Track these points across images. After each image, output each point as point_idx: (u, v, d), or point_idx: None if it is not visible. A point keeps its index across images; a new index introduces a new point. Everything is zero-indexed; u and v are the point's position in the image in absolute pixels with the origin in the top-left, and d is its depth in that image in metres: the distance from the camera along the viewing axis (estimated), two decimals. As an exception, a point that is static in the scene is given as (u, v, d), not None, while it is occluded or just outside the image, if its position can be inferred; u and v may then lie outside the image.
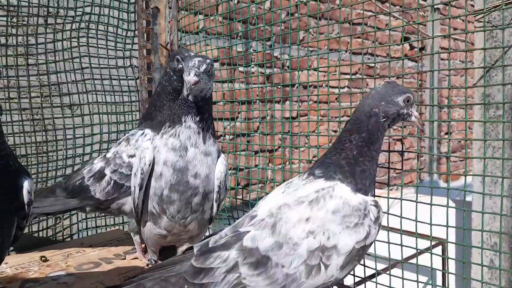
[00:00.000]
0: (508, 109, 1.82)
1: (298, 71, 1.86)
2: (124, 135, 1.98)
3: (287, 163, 3.16)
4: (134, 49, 2.12)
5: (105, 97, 2.03)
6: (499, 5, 1.60)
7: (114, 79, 2.08)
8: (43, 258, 1.59)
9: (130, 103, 2.12)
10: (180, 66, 1.43)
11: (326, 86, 3.37)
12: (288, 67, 3.14)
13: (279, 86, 3.04)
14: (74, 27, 1.95)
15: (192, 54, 1.45)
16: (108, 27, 2.04)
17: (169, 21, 2.07)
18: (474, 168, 1.66)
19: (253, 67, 2.99)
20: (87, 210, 1.57)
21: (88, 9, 1.98)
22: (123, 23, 2.10)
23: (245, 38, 2.91)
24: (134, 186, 1.27)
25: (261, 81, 2.99)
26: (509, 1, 1.74)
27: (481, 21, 1.70)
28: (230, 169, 2.83)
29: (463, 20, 3.93)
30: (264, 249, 0.89)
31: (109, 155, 1.54)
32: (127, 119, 2.10)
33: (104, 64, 2.04)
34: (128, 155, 1.47)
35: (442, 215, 1.32)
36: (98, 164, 1.53)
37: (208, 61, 1.13)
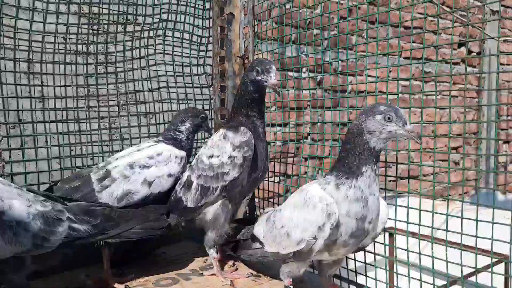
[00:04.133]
0: None
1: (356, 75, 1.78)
2: (196, 143, 1.97)
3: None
4: (208, 56, 2.09)
5: (179, 105, 2.01)
6: None
7: (188, 87, 2.05)
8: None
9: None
10: (259, 78, 1.44)
11: (380, 92, 3.28)
12: (340, 72, 3.07)
13: (331, 92, 2.98)
14: (151, 34, 1.94)
15: (273, 66, 1.44)
16: (184, 34, 2.03)
17: (243, 27, 2.01)
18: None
19: (304, 72, 2.94)
20: (181, 226, 1.59)
21: (164, 16, 1.96)
22: (198, 30, 2.07)
23: (298, 43, 2.87)
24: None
25: (312, 86, 2.94)
26: None
27: None
28: (278, 175, 2.80)
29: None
30: None
31: (193, 162, 1.55)
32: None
33: (179, 72, 2.02)
34: (208, 155, 1.49)
35: (505, 229, 1.24)
36: (186, 173, 1.55)
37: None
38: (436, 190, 3.56)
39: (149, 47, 1.94)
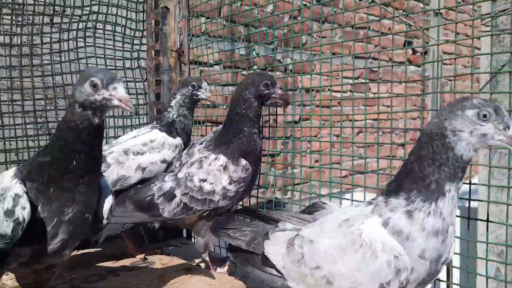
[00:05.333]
0: (515, 115, 1.81)
1: (301, 75, 1.83)
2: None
3: (289, 168, 3.14)
4: (143, 50, 2.06)
5: None
6: (507, 9, 1.59)
7: None
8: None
9: (137, 106, 2.07)
10: (267, 91, 1.45)
11: (329, 90, 3.36)
12: (290, 71, 3.13)
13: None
14: (80, 26, 1.89)
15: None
16: (116, 27, 1.99)
17: (179, 21, 2.00)
18: (480, 174, 1.65)
19: (255, 70, 2.97)
20: (155, 226, 1.58)
21: (95, 8, 1.92)
22: (131, 23, 2.04)
23: (248, 41, 2.90)
24: None
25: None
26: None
27: (488, 25, 1.69)
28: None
29: (465, 25, 3.94)
30: None
31: (180, 175, 1.50)
32: (134, 122, 2.05)
33: (111, 66, 1.99)
34: (200, 179, 1.46)
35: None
36: (168, 183, 1.51)
37: None
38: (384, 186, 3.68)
39: (79, 39, 1.90)
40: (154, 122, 1.70)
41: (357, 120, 3.50)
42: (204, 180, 1.45)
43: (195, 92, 1.63)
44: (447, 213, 0.86)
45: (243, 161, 1.45)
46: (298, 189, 3.14)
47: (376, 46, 3.58)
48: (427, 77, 3.52)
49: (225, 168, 1.44)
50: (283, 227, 1.15)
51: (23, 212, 0.91)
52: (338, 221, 0.98)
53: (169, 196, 1.48)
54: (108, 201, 1.09)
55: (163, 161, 1.56)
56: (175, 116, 1.63)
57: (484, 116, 0.84)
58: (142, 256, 1.71)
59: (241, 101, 1.47)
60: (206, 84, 1.66)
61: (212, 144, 1.52)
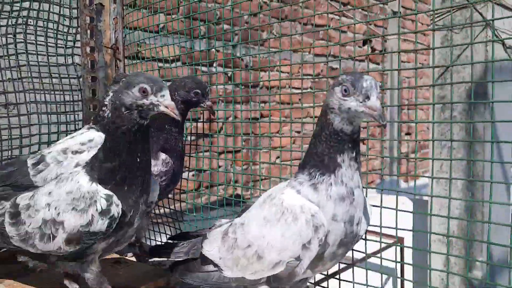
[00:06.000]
0: (461, 111, 1.88)
1: (259, 70, 1.82)
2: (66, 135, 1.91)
3: (251, 164, 3.12)
4: (77, 47, 2.03)
5: (44, 96, 1.93)
6: (455, 5, 1.64)
7: (55, 78, 1.98)
8: None
9: (72, 103, 2.03)
10: (196, 99, 1.47)
11: (289, 87, 3.36)
12: (251, 67, 3.11)
13: (242, 87, 3.01)
14: (10, 22, 1.83)
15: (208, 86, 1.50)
16: (48, 23, 1.95)
17: (113, 18, 1.99)
18: (431, 168, 1.69)
19: (215, 67, 2.94)
20: None
21: (26, 4, 1.88)
22: (65, 19, 2.01)
23: (207, 38, 2.86)
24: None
25: (224, 81, 2.95)
26: (461, 6, 1.79)
27: (438, 24, 1.74)
28: (191, 171, 2.77)
29: (422, 24, 4.06)
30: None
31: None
32: (69, 119, 2.02)
33: (44, 62, 1.93)
34: None
35: (401, 214, 1.32)
36: None
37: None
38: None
39: (8, 35, 1.83)
40: (91, 123, 1.70)
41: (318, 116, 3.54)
42: None
43: None
44: (347, 179, 0.92)
45: (163, 155, 1.47)
46: (259, 186, 3.14)
47: (336, 44, 3.63)
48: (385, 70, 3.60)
49: None
50: (219, 223, 1.20)
51: (117, 208, 1.05)
52: (262, 200, 1.07)
53: None
54: (155, 188, 1.21)
55: None
56: (109, 114, 1.62)
57: (345, 91, 0.88)
58: None
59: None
60: None
61: None
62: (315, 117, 3.64)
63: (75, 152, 1.54)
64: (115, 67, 2.02)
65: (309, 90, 3.43)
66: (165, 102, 1.02)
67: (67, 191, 1.09)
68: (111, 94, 1.62)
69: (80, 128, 1.79)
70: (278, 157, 3.32)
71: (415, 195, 1.37)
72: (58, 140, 1.74)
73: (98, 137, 1.57)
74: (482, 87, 1.67)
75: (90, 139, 1.58)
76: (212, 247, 1.12)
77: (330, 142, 0.92)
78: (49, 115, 1.95)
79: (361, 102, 0.87)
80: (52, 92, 1.96)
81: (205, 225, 1.61)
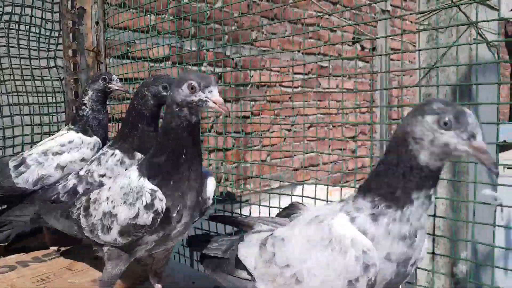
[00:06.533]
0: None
1: (250, 69, 1.83)
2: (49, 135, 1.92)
3: (241, 161, 3.14)
4: (59, 50, 2.06)
5: (27, 98, 1.96)
6: (438, 8, 1.67)
7: (37, 80, 2.00)
8: None
9: (55, 105, 2.06)
10: (165, 93, 1.43)
11: (280, 85, 3.39)
12: (241, 66, 3.13)
13: (232, 86, 3.02)
14: None
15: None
16: (31, 27, 1.99)
17: (95, 22, 2.05)
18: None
19: (205, 66, 2.95)
20: None
21: (8, 9, 1.90)
22: (47, 23, 2.04)
23: (197, 38, 2.87)
24: None
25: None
26: (445, 7, 1.82)
27: (423, 24, 1.77)
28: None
29: (411, 22, 4.09)
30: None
31: (82, 173, 1.55)
32: (52, 120, 2.05)
33: (26, 65, 1.96)
34: (99, 174, 1.50)
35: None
36: (71, 181, 1.54)
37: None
38: (336, 177, 3.77)
39: None
40: (70, 124, 1.71)
41: (308, 115, 3.56)
42: (103, 175, 1.49)
43: (107, 84, 1.67)
44: (415, 219, 0.81)
45: (139, 155, 1.49)
46: (251, 183, 3.16)
47: (325, 42, 3.65)
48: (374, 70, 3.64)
49: (121, 162, 1.49)
50: (259, 228, 1.13)
51: (161, 203, 1.06)
52: (309, 218, 0.95)
53: (72, 192, 1.52)
54: (211, 183, 1.21)
55: (82, 159, 1.61)
56: (89, 113, 1.67)
57: (445, 124, 0.74)
58: (55, 248, 1.75)
59: (139, 97, 1.49)
60: (116, 76, 1.72)
61: (112, 141, 1.60)
62: (306, 115, 3.69)
63: (56, 154, 1.58)
64: (97, 69, 2.07)
65: (299, 89, 3.46)
66: (213, 98, 1.03)
67: (120, 186, 1.14)
68: (90, 93, 1.66)
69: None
70: (268, 155, 3.35)
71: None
72: (41, 140, 1.76)
73: (77, 138, 1.62)
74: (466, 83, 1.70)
75: (70, 140, 1.62)
76: (248, 253, 1.05)
77: (409, 176, 0.79)
78: (32, 117, 1.97)
79: (464, 140, 0.74)
80: (35, 94, 1.99)
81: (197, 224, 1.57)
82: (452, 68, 1.75)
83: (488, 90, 1.34)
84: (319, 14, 3.48)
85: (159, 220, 1.07)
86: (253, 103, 3.21)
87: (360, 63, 3.99)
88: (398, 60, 4.26)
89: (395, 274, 0.85)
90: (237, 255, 1.07)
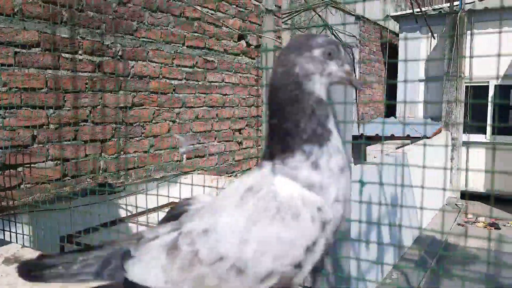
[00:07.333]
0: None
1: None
2: None
3: (122, 152, 3.11)
4: None
5: None
6: (296, 10, 1.85)
7: None
8: None
9: None
10: None
11: (164, 78, 3.41)
12: (120, 56, 3.09)
13: (112, 76, 2.97)
14: None
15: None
16: None
17: None
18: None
19: (81, 55, 2.86)
20: None
21: None
22: None
23: (71, 24, 2.77)
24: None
25: (90, 69, 2.88)
26: (304, 9, 2.02)
27: (287, 23, 1.95)
28: (55, 160, 2.67)
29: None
30: None
31: None
32: None
33: None
34: None
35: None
36: None
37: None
38: (223, 168, 3.91)
39: None
40: None
41: (194, 107, 3.64)
42: None
43: None
44: (340, 146, 0.79)
45: None
46: (132, 174, 3.14)
47: (210, 37, 3.76)
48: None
49: None
50: (153, 235, 0.85)
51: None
52: (238, 195, 0.78)
53: None
54: None
55: None
56: None
57: (329, 54, 0.78)
58: None
59: None
60: None
61: None
62: (191, 107, 3.77)
63: None
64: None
65: (183, 81, 3.52)
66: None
67: None
68: None
69: None
70: (152, 146, 3.35)
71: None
72: None
73: None
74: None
75: None
76: (147, 269, 0.79)
77: (317, 111, 0.77)
78: None
79: (340, 67, 0.79)
80: None
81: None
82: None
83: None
84: (204, 9, 3.58)
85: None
86: (134, 93, 3.19)
87: (246, 59, 4.18)
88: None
89: (341, 216, 0.77)
90: (125, 278, 0.79)
